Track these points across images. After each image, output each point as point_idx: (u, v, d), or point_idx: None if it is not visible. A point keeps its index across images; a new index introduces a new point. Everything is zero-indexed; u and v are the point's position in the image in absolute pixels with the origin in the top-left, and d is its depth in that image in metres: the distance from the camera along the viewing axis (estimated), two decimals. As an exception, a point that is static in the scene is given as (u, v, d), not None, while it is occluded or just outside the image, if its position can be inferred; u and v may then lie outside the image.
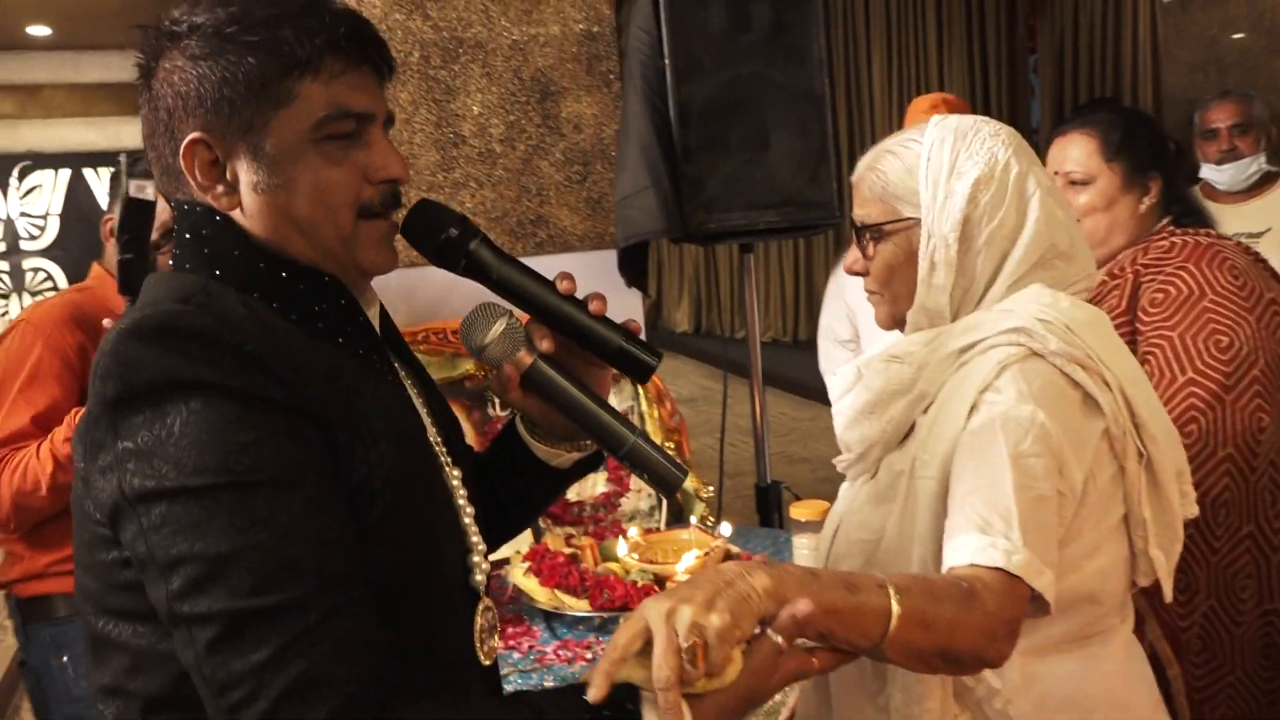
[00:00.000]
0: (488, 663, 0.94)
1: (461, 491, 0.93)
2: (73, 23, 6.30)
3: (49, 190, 7.22)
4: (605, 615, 1.71)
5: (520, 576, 1.83)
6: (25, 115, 7.10)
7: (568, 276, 0.91)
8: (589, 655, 1.66)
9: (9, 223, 7.15)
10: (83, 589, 0.81)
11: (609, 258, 2.42)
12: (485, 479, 1.04)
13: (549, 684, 1.56)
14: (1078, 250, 1.12)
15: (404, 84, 2.39)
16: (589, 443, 1.02)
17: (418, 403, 0.93)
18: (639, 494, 2.29)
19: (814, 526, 1.73)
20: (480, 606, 0.92)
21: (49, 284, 7.16)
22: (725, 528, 1.96)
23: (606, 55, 2.58)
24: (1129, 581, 1.10)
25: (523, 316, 0.93)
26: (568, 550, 1.89)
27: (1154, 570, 1.09)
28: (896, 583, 0.79)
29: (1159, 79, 5.67)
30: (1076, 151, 1.70)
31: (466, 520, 0.92)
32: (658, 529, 2.07)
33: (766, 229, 2.37)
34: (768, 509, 2.54)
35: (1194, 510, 1.13)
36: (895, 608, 0.77)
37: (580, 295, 0.92)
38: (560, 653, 1.67)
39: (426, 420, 0.93)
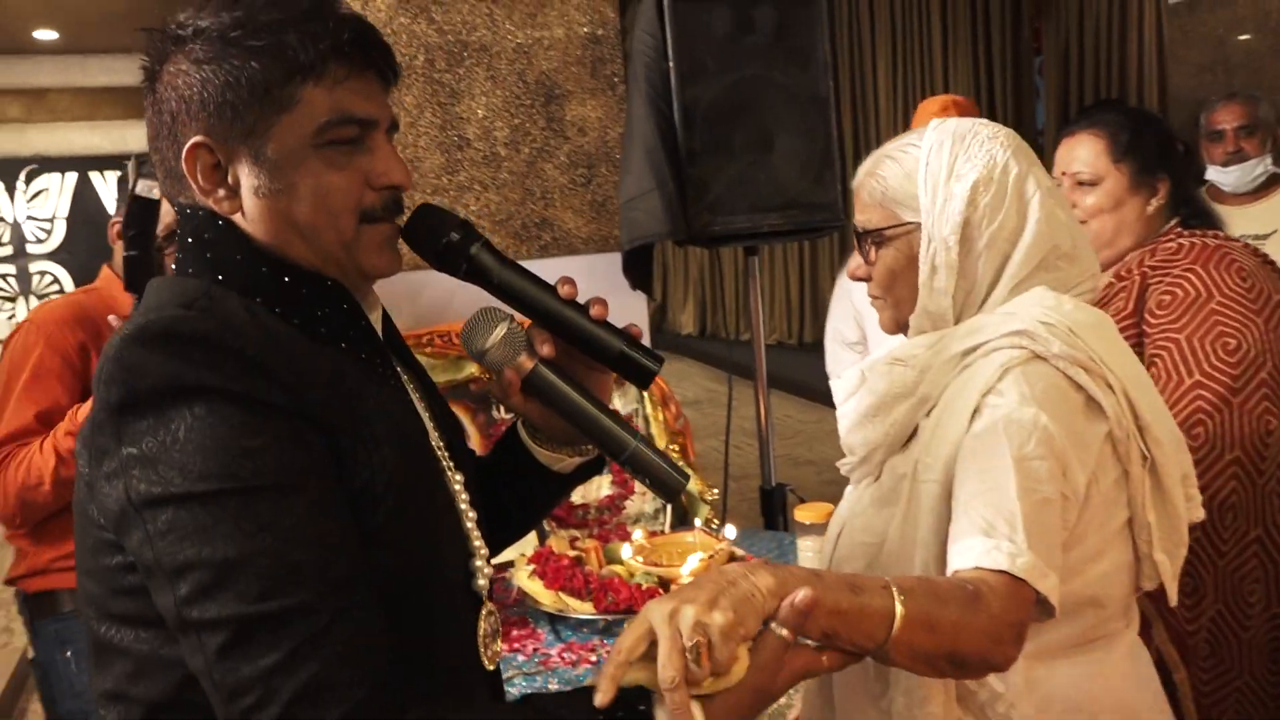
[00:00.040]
0: (491, 667, 0.94)
1: (463, 496, 0.93)
2: (79, 27, 6.33)
3: (55, 194, 7.25)
4: (610, 618, 1.71)
5: (525, 579, 1.83)
6: (32, 119, 7.14)
7: (569, 281, 0.91)
8: (593, 658, 1.66)
9: (16, 226, 7.18)
10: (85, 594, 0.81)
11: (613, 260, 2.42)
12: (487, 483, 1.04)
13: (553, 686, 1.55)
14: (1081, 251, 1.11)
15: (409, 87, 2.39)
16: (590, 447, 1.02)
17: (420, 407, 0.93)
18: (644, 497, 2.29)
19: (819, 529, 1.73)
20: (483, 611, 0.92)
21: (55, 287, 7.19)
22: (730, 530, 1.96)
23: (611, 58, 2.58)
24: (1133, 586, 1.10)
25: (524, 321, 0.93)
26: (572, 553, 1.89)
27: (1159, 574, 1.08)
28: (901, 585, 0.79)
29: (1165, 80, 5.66)
30: (1084, 152, 1.69)
31: (469, 525, 0.92)
32: (662, 532, 2.07)
33: (771, 231, 2.37)
34: (772, 512, 2.54)
35: (1200, 514, 1.13)
36: (899, 609, 0.77)
37: (583, 299, 0.92)
38: (565, 655, 1.67)
39: (428, 424, 0.93)
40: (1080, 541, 1.02)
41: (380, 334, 0.91)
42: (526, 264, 0.94)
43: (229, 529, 0.71)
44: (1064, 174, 1.71)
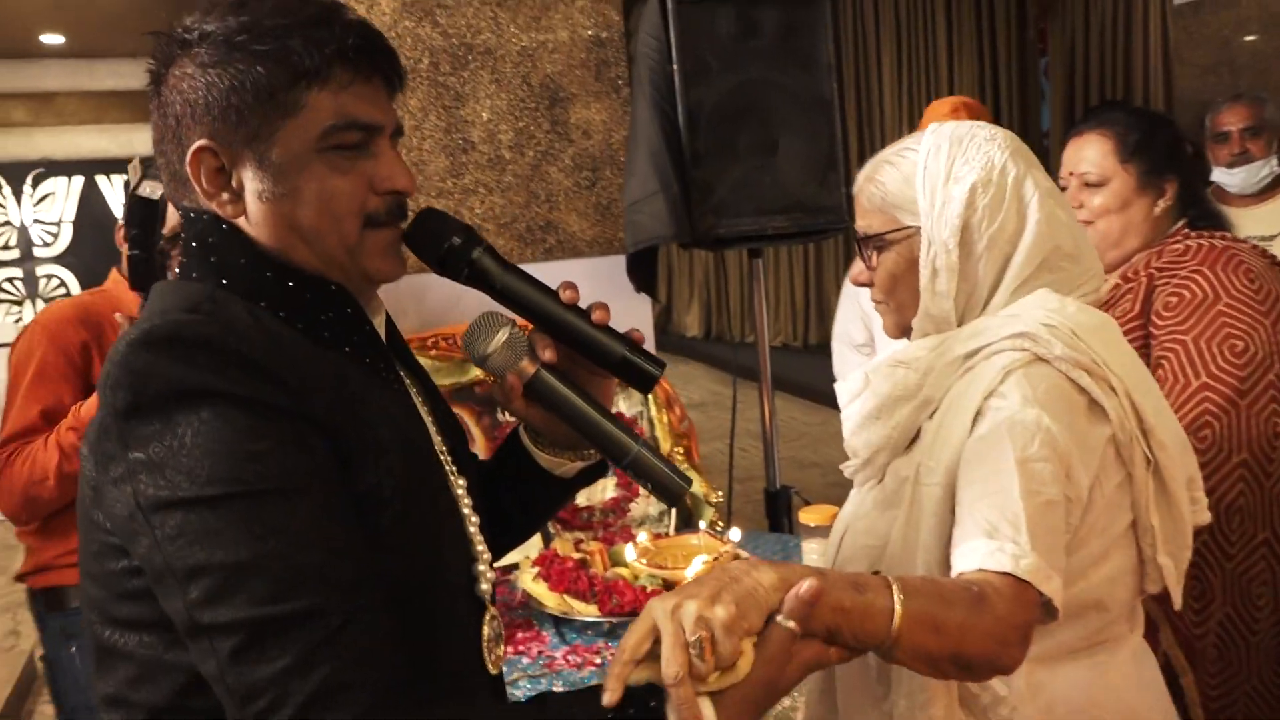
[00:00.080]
0: (494, 672, 0.94)
1: (466, 500, 0.93)
2: (86, 31, 6.36)
3: (62, 197, 7.27)
4: (614, 620, 1.71)
5: (529, 581, 1.83)
6: (39, 123, 7.17)
7: (571, 286, 0.91)
8: (598, 660, 1.66)
9: (23, 230, 7.20)
10: (88, 598, 0.81)
11: (618, 263, 2.43)
12: (490, 487, 1.04)
13: (558, 689, 1.55)
14: (1083, 251, 1.11)
15: (413, 91, 2.40)
16: (593, 452, 1.01)
17: (422, 411, 0.93)
18: (648, 499, 2.29)
19: (823, 532, 1.72)
20: (486, 616, 0.92)
21: (62, 290, 7.21)
22: (734, 533, 1.95)
23: (615, 61, 2.58)
24: (1137, 589, 1.09)
25: (526, 325, 0.93)
26: (577, 555, 1.89)
27: (1163, 578, 1.08)
28: (904, 585, 0.79)
29: (1170, 81, 5.65)
30: (1092, 152, 1.68)
31: (471, 529, 0.92)
32: (667, 534, 2.07)
33: (775, 234, 2.37)
34: (777, 514, 2.54)
35: (1206, 517, 1.12)
36: (898, 609, 0.77)
37: (588, 301, 0.92)
38: (569, 658, 1.67)
39: (431, 429, 0.93)
40: (1083, 545, 1.02)
41: (383, 338, 0.91)
42: (531, 267, 0.94)
43: (238, 533, 0.71)
44: (1071, 174, 1.70)
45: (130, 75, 6.87)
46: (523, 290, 0.91)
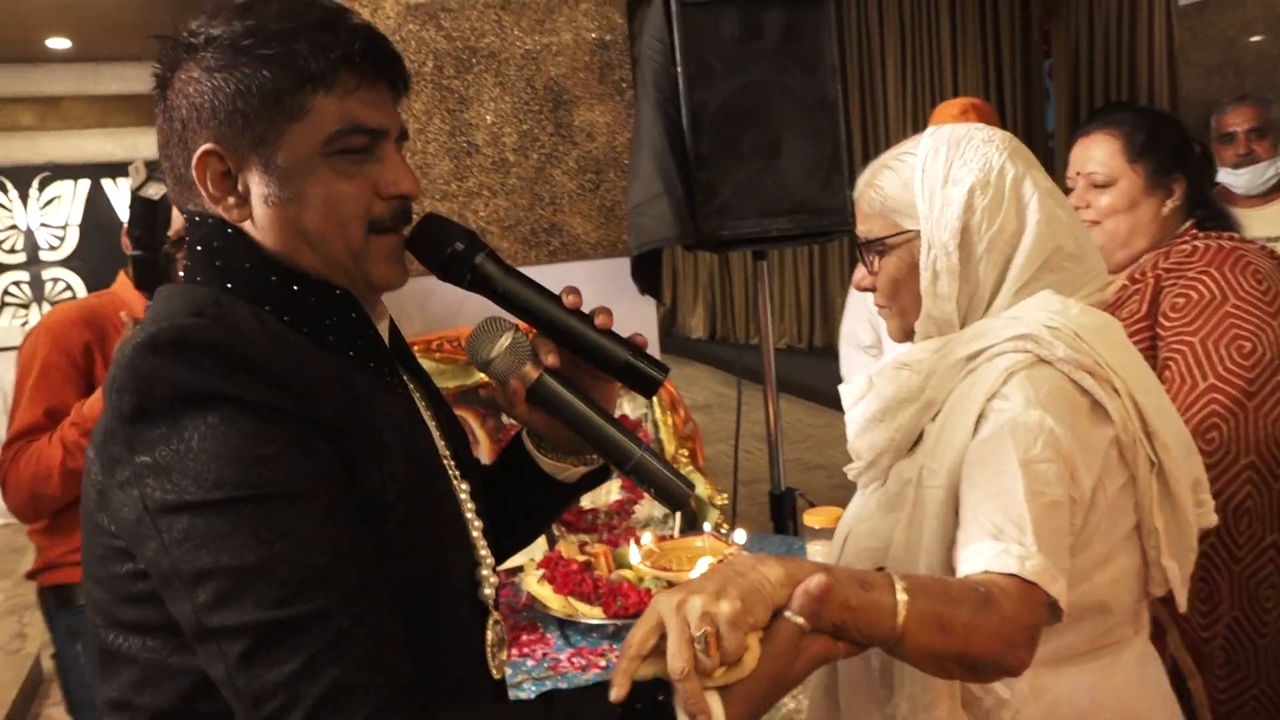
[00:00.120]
0: (498, 676, 0.94)
1: (469, 505, 0.93)
2: (92, 35, 6.38)
3: (68, 201, 7.30)
4: (619, 623, 1.71)
5: (534, 584, 1.83)
6: (45, 127, 7.19)
7: (574, 291, 0.91)
8: (603, 663, 1.66)
9: (29, 233, 7.23)
10: (92, 601, 0.81)
11: (622, 265, 2.42)
12: (493, 491, 1.04)
13: (563, 692, 1.55)
14: (1086, 250, 1.11)
15: (417, 94, 2.40)
16: (595, 457, 1.01)
17: (426, 415, 0.93)
18: (653, 502, 2.29)
19: (828, 534, 1.72)
20: (489, 620, 0.92)
21: (68, 294, 7.24)
22: (739, 535, 1.95)
23: (619, 64, 2.58)
24: (1142, 592, 1.09)
25: (529, 330, 0.93)
26: (581, 557, 1.89)
27: (1168, 581, 1.07)
28: (910, 583, 0.79)
29: (1175, 82, 5.63)
30: (1099, 152, 1.67)
31: (475, 534, 0.92)
32: (671, 536, 2.07)
33: (779, 236, 2.36)
34: (782, 516, 2.53)
35: (1212, 520, 1.12)
36: (903, 608, 0.77)
37: (591, 305, 0.92)
38: (574, 660, 1.67)
39: (435, 433, 0.93)
40: (1087, 547, 1.01)
41: (387, 343, 0.91)
42: (535, 270, 0.94)
43: (245, 537, 0.71)
44: (1078, 174, 1.70)
45: (135, 79, 6.90)
46: (525, 295, 0.91)
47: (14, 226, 7.17)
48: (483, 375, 2.35)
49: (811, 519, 1.80)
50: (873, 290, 1.15)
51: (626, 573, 1.84)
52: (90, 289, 6.90)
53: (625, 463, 0.90)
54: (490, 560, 0.93)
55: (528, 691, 1.54)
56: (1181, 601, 1.09)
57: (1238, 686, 1.51)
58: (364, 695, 0.70)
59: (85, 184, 7.30)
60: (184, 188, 0.85)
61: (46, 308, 7.13)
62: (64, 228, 7.30)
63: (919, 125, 2.50)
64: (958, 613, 0.80)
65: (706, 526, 2.16)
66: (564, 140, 2.54)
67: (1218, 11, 4.76)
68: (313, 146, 0.81)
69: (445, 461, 0.92)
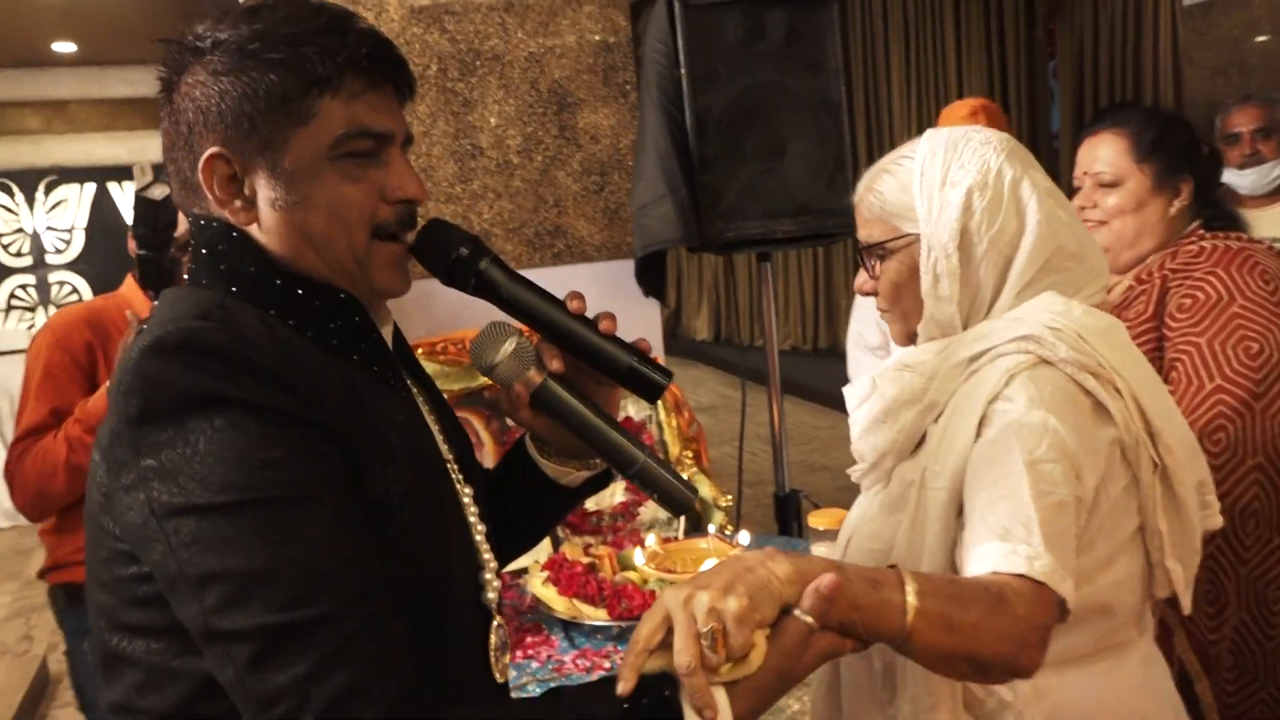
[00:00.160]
0: (501, 680, 0.94)
1: (473, 509, 0.93)
2: (98, 39, 6.40)
3: (74, 204, 7.33)
4: (623, 624, 1.71)
5: (538, 585, 1.83)
6: (51, 130, 7.22)
7: (578, 296, 0.91)
8: (607, 664, 1.66)
9: (35, 237, 7.26)
10: (96, 605, 0.81)
11: (626, 267, 2.43)
12: (496, 494, 1.04)
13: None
14: (1087, 250, 1.11)
15: (422, 97, 2.41)
16: (598, 461, 1.01)
17: (429, 419, 0.94)
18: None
19: (832, 535, 1.72)
20: (493, 624, 0.92)
21: (74, 297, 7.26)
22: (744, 536, 1.95)
23: (623, 66, 2.59)
24: (1145, 594, 1.09)
25: (533, 335, 0.93)
26: (586, 559, 1.89)
27: (1172, 583, 1.07)
28: (920, 583, 0.79)
29: (1180, 82, 5.62)
30: (1106, 152, 1.66)
31: (478, 537, 0.92)
32: (676, 538, 2.07)
33: (784, 238, 2.36)
34: (786, 518, 2.53)
35: (1217, 522, 1.11)
36: (911, 609, 0.77)
37: (596, 308, 0.92)
38: (579, 662, 1.67)
39: (438, 437, 0.93)
40: (1090, 548, 1.01)
41: (390, 347, 0.91)
42: (539, 272, 0.94)
43: (252, 540, 0.71)
44: (1085, 174, 1.69)
45: (141, 83, 6.93)
46: (530, 300, 0.91)
47: (20, 230, 7.20)
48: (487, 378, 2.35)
49: (816, 520, 1.80)
50: (874, 294, 1.15)
51: (631, 575, 1.84)
52: (96, 292, 6.93)
53: (629, 468, 0.90)
54: (493, 564, 0.93)
55: (532, 693, 1.54)
56: (1186, 604, 1.08)
57: (1246, 689, 1.50)
58: (372, 697, 0.70)
59: (91, 187, 7.33)
60: (189, 191, 0.85)
61: (53, 311, 7.16)
62: (70, 231, 7.33)
63: (924, 125, 2.49)
64: (968, 613, 0.80)
65: (711, 528, 2.16)
66: (568, 143, 2.54)
67: (1223, 11, 4.75)
68: (319, 150, 0.82)
69: (448, 465, 0.92)
